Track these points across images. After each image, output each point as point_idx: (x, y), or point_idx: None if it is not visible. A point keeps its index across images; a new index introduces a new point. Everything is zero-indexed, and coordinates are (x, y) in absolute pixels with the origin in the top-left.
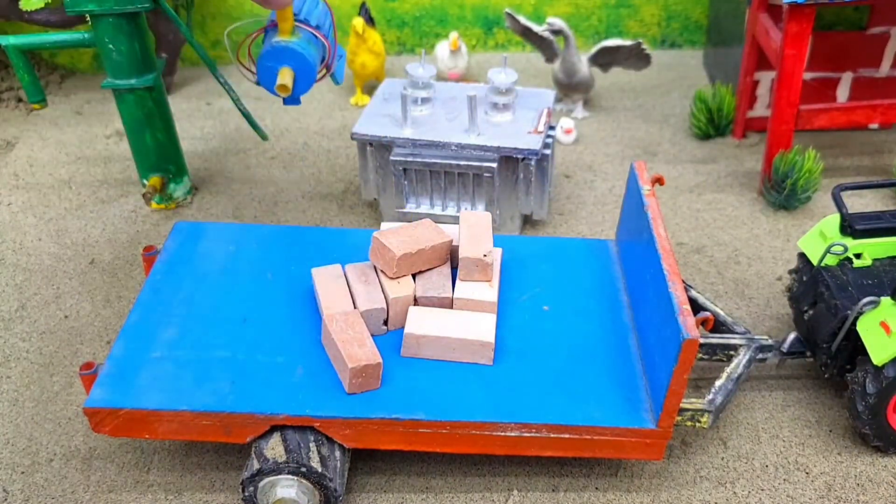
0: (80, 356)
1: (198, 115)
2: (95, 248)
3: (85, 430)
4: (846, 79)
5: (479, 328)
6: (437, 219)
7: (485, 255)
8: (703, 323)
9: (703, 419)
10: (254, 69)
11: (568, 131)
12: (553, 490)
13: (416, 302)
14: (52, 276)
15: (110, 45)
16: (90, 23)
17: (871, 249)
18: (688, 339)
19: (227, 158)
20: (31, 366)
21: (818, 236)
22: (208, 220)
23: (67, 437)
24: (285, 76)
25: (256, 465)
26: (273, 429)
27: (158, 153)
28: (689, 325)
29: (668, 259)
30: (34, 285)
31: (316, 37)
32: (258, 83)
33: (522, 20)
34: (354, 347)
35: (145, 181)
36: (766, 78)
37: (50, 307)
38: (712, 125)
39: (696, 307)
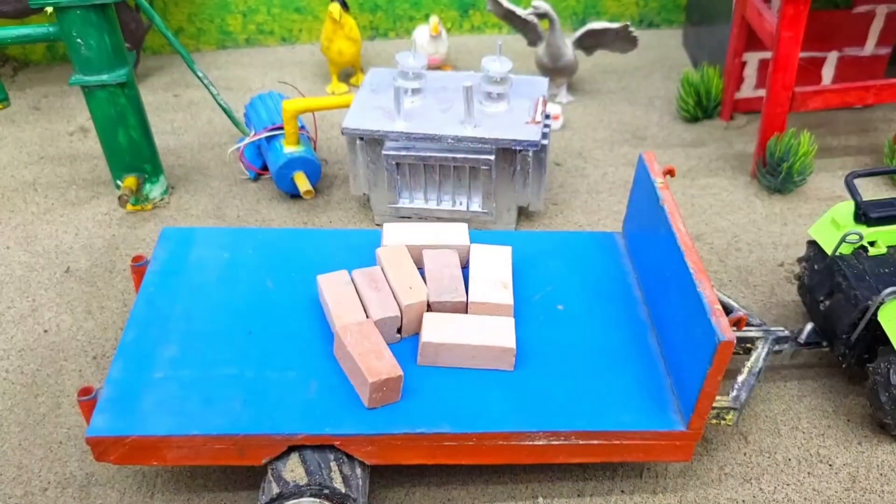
0: (64, 374)
1: (166, 108)
2: (70, 255)
3: (80, 455)
4: (832, 58)
5: (499, 333)
6: (431, 213)
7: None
8: (737, 323)
9: (729, 417)
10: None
11: (555, 117)
12: (579, 495)
13: (429, 307)
14: (25, 287)
15: (78, 39)
16: (55, 15)
17: (885, 237)
18: (724, 340)
19: (203, 154)
20: (12, 387)
21: (830, 224)
22: (188, 221)
23: (61, 462)
24: (304, 182)
25: (276, 490)
26: (290, 449)
27: (133, 152)
28: (723, 325)
29: (692, 256)
30: (7, 298)
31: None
32: (253, 179)
33: (505, 3)
34: (373, 360)
35: (119, 182)
36: (752, 59)
37: (27, 321)
38: (700, 107)
39: None
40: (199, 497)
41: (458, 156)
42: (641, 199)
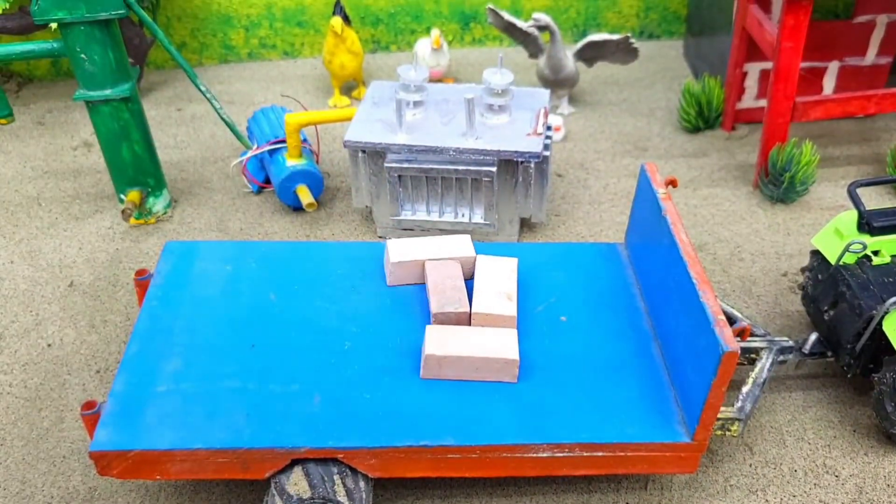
0: (68, 388)
1: (169, 122)
2: (73, 270)
3: (83, 469)
4: (833, 68)
5: (502, 345)
6: (433, 225)
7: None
8: (741, 333)
9: (734, 428)
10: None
11: (557, 129)
12: None
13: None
14: (29, 301)
15: (82, 55)
16: (59, 31)
17: (889, 246)
18: (728, 351)
19: (205, 167)
20: (15, 401)
21: (833, 234)
22: (191, 235)
23: (64, 477)
24: (307, 195)
25: (279, 503)
26: (293, 462)
27: (136, 166)
28: (727, 336)
29: (695, 266)
30: (10, 312)
31: (308, 149)
32: (256, 192)
33: (506, 16)
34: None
35: (123, 196)
36: (753, 69)
37: (30, 335)
38: (702, 118)
39: None
40: None
41: (460, 168)
42: (644, 210)
